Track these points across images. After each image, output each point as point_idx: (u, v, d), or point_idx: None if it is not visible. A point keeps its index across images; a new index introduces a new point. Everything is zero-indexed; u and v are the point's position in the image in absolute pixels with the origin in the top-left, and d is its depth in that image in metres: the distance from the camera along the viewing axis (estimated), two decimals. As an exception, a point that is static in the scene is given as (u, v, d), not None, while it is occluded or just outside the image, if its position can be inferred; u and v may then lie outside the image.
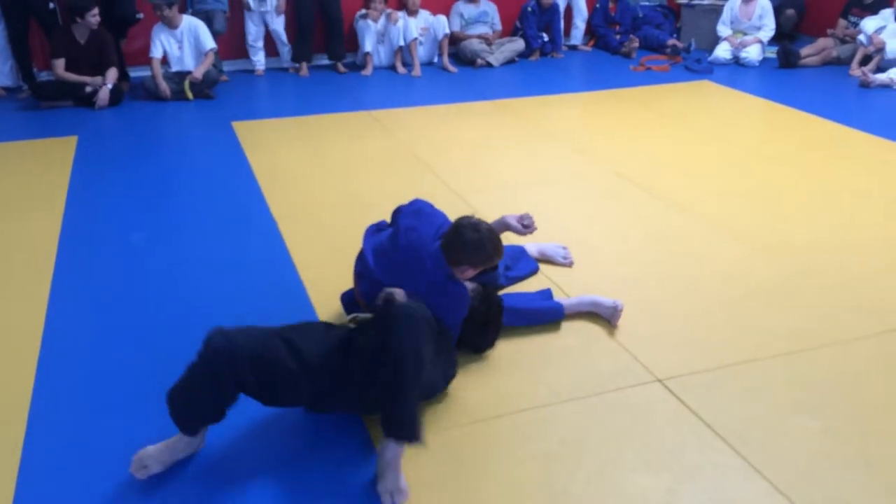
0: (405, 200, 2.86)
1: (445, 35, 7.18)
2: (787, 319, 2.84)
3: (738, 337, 2.73)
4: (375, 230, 2.77)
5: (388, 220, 2.80)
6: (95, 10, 5.67)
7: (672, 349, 2.66)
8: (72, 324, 2.84)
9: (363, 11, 7.09)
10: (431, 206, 2.73)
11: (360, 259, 2.65)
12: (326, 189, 4.16)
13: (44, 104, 5.85)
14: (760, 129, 5.53)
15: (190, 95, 6.02)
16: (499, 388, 2.45)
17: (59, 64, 5.73)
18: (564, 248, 3.32)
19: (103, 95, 5.74)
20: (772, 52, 7.44)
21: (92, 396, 2.42)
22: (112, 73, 5.85)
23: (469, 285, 2.55)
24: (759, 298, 2.99)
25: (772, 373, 2.52)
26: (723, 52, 7.37)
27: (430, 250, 2.47)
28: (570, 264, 3.26)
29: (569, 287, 3.04)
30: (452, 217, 2.57)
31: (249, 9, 6.71)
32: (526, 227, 2.71)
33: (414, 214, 2.65)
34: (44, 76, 6.44)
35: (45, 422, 2.31)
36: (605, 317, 2.85)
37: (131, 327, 2.81)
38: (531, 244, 3.26)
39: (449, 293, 2.40)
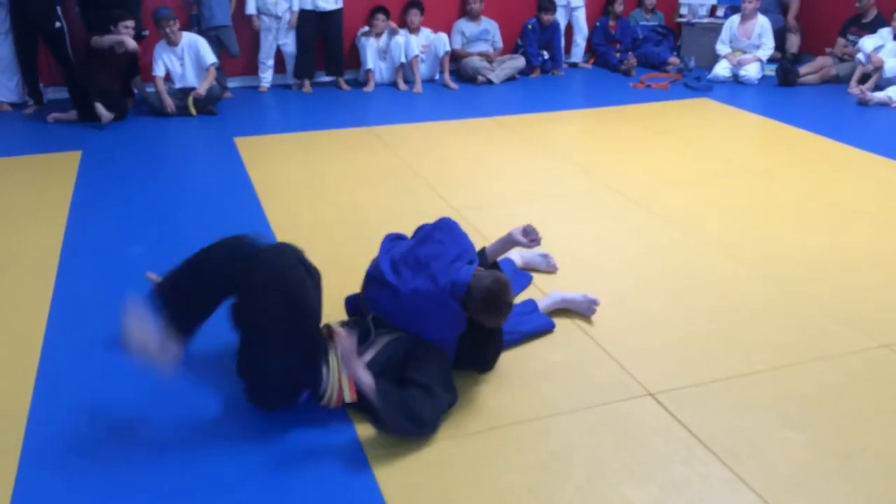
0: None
1: (446, 52, 7.25)
2: (777, 334, 2.86)
3: (729, 351, 2.76)
4: (394, 237, 2.80)
5: (404, 234, 2.82)
6: (130, 22, 5.82)
7: (664, 363, 2.68)
8: (72, 336, 2.88)
9: (365, 29, 7.17)
10: (460, 228, 2.73)
11: (374, 262, 2.67)
12: (326, 204, 4.20)
13: (50, 118, 5.93)
14: (758, 147, 5.57)
15: (193, 111, 6.10)
16: (491, 401, 2.48)
17: (96, 38, 5.79)
18: (546, 255, 3.36)
19: (132, 44, 5.85)
20: (771, 70, 7.50)
21: (91, 408, 2.45)
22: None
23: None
24: (750, 313, 3.02)
25: (760, 387, 2.55)
26: (722, 69, 7.43)
27: (443, 268, 2.48)
28: (555, 270, 3.33)
29: (562, 301, 3.07)
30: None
31: (257, 26, 6.79)
32: (532, 241, 2.74)
33: (447, 230, 2.67)
34: (50, 92, 6.53)
35: (43, 434, 2.33)
36: (580, 311, 2.91)
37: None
38: (515, 254, 3.31)
39: (446, 306, 2.42)
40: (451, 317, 2.43)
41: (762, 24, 7.47)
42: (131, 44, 5.85)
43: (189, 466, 2.18)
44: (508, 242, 2.77)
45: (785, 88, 7.14)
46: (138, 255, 3.59)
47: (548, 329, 2.85)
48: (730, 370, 2.63)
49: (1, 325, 2.97)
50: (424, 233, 2.66)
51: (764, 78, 7.44)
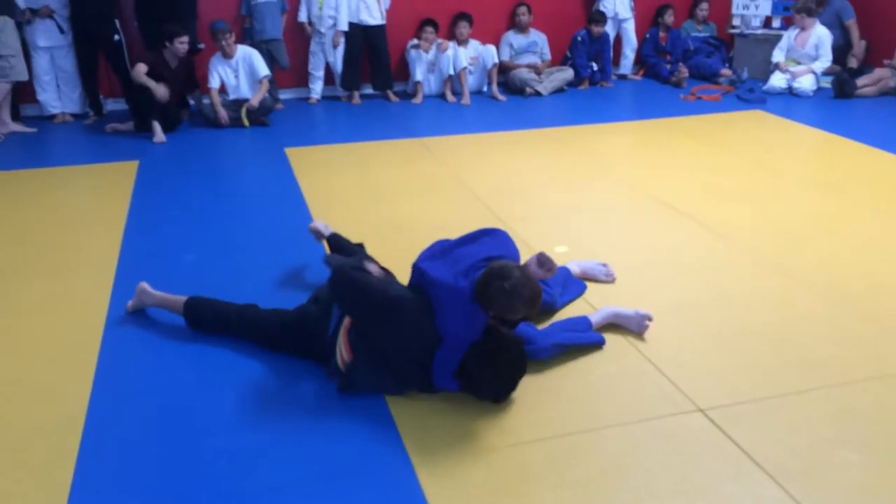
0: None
1: (494, 64, 7.27)
2: (832, 350, 2.79)
3: (782, 367, 2.70)
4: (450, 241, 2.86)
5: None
6: (185, 38, 5.95)
7: (715, 379, 2.64)
8: (129, 340, 2.96)
9: (415, 42, 7.24)
10: (511, 241, 2.76)
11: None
12: (373, 213, 4.24)
13: (108, 128, 6.12)
14: (812, 160, 5.45)
15: (246, 122, 6.23)
16: (539, 413, 2.47)
17: (141, 68, 5.84)
18: (605, 264, 3.35)
19: (161, 93, 5.87)
20: (827, 83, 7.33)
21: (147, 411, 2.52)
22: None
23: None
24: (803, 329, 2.95)
25: (815, 405, 2.48)
26: (777, 81, 7.29)
27: (468, 266, 2.52)
28: (612, 280, 3.32)
29: (611, 314, 3.04)
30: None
31: (309, 32, 6.91)
32: (548, 270, 2.62)
33: (495, 237, 2.72)
34: (109, 103, 6.74)
35: (100, 437, 2.40)
36: (630, 328, 2.89)
37: (185, 344, 2.91)
38: (573, 263, 3.30)
39: (461, 300, 2.42)
40: (467, 311, 2.42)
41: (820, 35, 7.29)
42: (164, 97, 5.90)
43: (234, 475, 2.21)
44: None
45: (841, 101, 6.98)
46: (192, 261, 3.67)
47: (599, 344, 2.83)
48: (784, 387, 2.58)
49: (61, 326, 3.07)
50: (473, 235, 2.70)
51: (819, 90, 7.28)
